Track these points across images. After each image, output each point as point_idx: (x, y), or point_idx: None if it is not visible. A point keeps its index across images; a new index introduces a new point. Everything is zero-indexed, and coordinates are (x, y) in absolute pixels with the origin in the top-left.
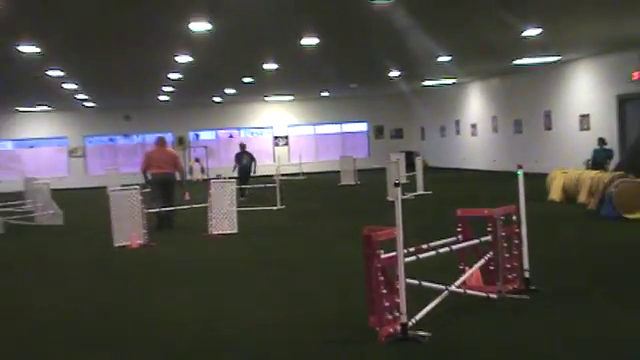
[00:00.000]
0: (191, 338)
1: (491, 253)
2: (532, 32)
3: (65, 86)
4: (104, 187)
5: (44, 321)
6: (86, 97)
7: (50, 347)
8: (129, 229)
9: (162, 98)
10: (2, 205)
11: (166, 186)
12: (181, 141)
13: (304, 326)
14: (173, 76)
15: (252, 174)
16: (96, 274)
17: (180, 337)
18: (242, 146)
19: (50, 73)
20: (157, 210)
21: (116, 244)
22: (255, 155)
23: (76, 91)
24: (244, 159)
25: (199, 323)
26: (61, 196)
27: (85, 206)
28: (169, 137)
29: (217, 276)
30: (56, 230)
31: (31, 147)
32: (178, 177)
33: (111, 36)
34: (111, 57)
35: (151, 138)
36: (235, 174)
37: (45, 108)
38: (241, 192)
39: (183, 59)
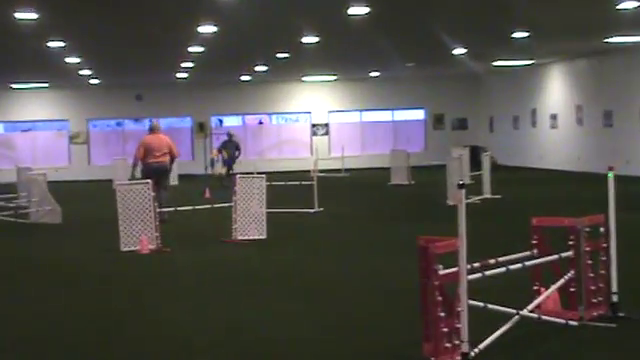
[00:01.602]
0: None
1: (572, 272)
2: (630, 4)
3: (67, 60)
4: (110, 180)
5: (28, 340)
6: (91, 73)
7: None
8: (139, 231)
9: (180, 75)
10: None
11: (162, 176)
12: (201, 127)
13: (343, 356)
14: (194, 49)
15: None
16: (98, 285)
17: None
18: (229, 135)
19: (50, 44)
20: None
21: (123, 248)
22: (291, 147)
23: (79, 66)
24: (230, 147)
25: (218, 349)
26: (60, 189)
27: (87, 202)
28: (187, 122)
29: (240, 292)
30: (53, 229)
31: (26, 131)
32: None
33: (123, 1)
34: (122, 26)
35: (166, 123)
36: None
37: (43, 85)
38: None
39: (206, 29)
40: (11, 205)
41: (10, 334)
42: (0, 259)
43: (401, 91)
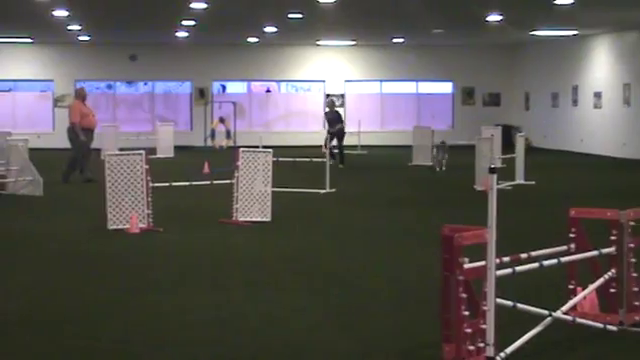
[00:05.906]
0: None
1: (613, 270)
2: None
3: (54, 13)
4: (98, 150)
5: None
6: (80, 28)
7: None
8: (129, 208)
9: (180, 34)
10: None
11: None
12: (202, 94)
13: (354, 357)
14: (196, 5)
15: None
16: (80, 268)
17: None
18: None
19: None
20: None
21: (110, 226)
22: (301, 119)
23: (68, 20)
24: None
25: (215, 347)
26: (43, 158)
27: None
28: (186, 87)
29: (239, 280)
30: (33, 202)
31: (6, 91)
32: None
33: None
34: None
35: (162, 87)
36: None
37: (26, 40)
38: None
39: None
40: None
41: None
42: None
43: (427, 61)
